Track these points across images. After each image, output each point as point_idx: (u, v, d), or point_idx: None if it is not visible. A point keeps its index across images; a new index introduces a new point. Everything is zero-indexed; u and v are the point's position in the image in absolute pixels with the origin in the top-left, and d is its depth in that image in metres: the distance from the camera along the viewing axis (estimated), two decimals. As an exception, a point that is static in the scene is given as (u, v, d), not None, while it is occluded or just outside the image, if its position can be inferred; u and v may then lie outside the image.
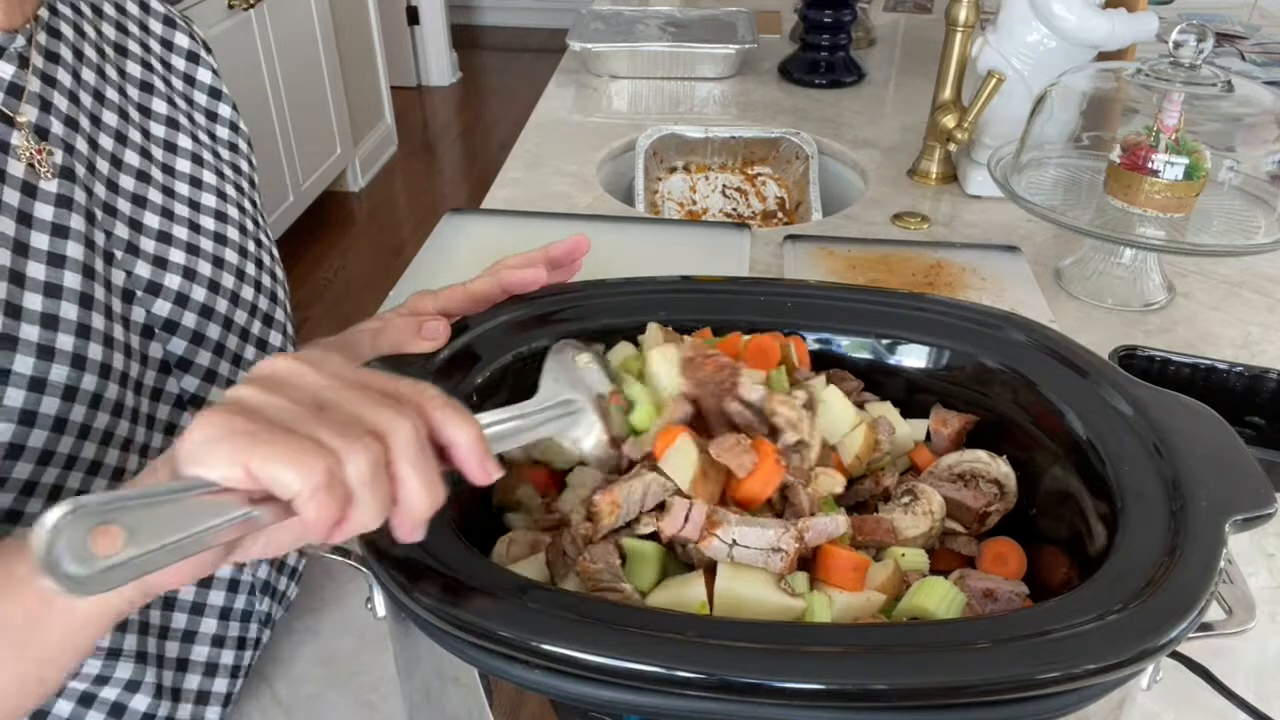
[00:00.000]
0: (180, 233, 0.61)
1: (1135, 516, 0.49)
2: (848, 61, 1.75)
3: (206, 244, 0.63)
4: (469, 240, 1.17)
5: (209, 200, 0.64)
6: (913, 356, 0.66)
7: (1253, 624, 0.49)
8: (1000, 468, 0.60)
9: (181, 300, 0.60)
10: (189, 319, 0.61)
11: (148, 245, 0.59)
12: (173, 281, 0.60)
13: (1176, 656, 0.57)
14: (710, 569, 0.50)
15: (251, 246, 0.67)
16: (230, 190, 0.66)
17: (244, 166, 0.70)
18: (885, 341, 0.67)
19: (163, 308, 0.59)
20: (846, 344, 0.67)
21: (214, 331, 0.62)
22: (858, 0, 1.79)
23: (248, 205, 0.68)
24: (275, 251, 0.70)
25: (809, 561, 0.52)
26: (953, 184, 1.38)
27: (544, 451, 0.62)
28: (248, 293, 0.65)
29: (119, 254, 0.57)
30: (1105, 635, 0.42)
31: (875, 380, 0.67)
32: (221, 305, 0.63)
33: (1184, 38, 1.05)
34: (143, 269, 0.58)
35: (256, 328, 0.66)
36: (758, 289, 0.67)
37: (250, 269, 0.66)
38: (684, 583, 0.50)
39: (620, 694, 0.41)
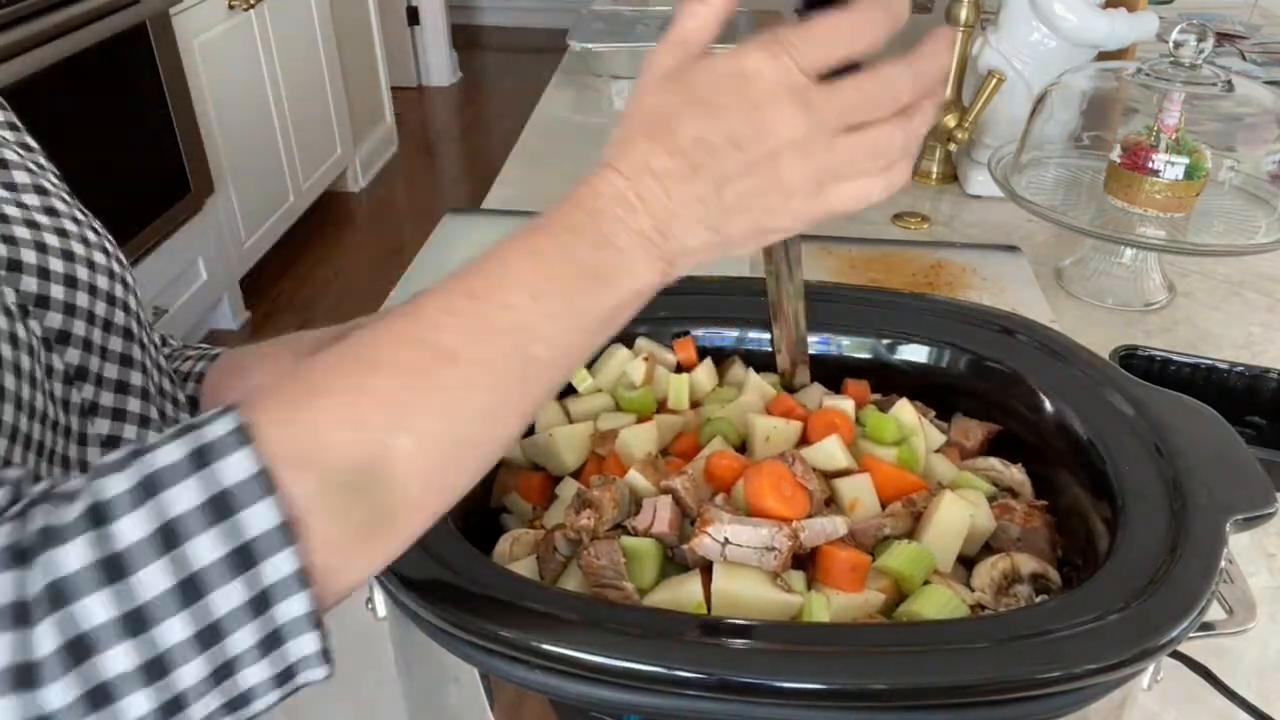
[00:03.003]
0: (23, 232, 0.57)
1: (1136, 516, 0.49)
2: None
3: (52, 240, 0.60)
4: (469, 240, 1.17)
5: (31, 199, 0.61)
6: (913, 357, 0.66)
7: (1253, 624, 0.49)
8: (1015, 475, 0.60)
9: (69, 310, 0.57)
10: (79, 327, 0.57)
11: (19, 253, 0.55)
12: (58, 292, 0.57)
13: (1177, 656, 0.57)
14: (706, 569, 0.50)
15: (91, 235, 0.64)
16: (46, 184, 0.64)
17: (43, 161, 0.67)
18: (885, 342, 0.67)
19: (54, 319, 0.56)
20: (847, 344, 0.67)
21: (98, 336, 0.59)
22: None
23: (66, 196, 0.65)
24: (110, 240, 0.67)
25: (806, 561, 0.52)
26: (953, 184, 1.38)
27: (543, 454, 0.62)
28: (103, 283, 0.63)
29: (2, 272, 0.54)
30: (1106, 635, 0.42)
31: (875, 381, 0.67)
32: (100, 309, 0.59)
33: (1184, 37, 1.04)
34: (28, 283, 0.55)
35: (119, 318, 0.64)
36: (758, 288, 0.67)
37: (99, 258, 0.63)
38: (680, 583, 0.50)
39: (620, 694, 0.41)
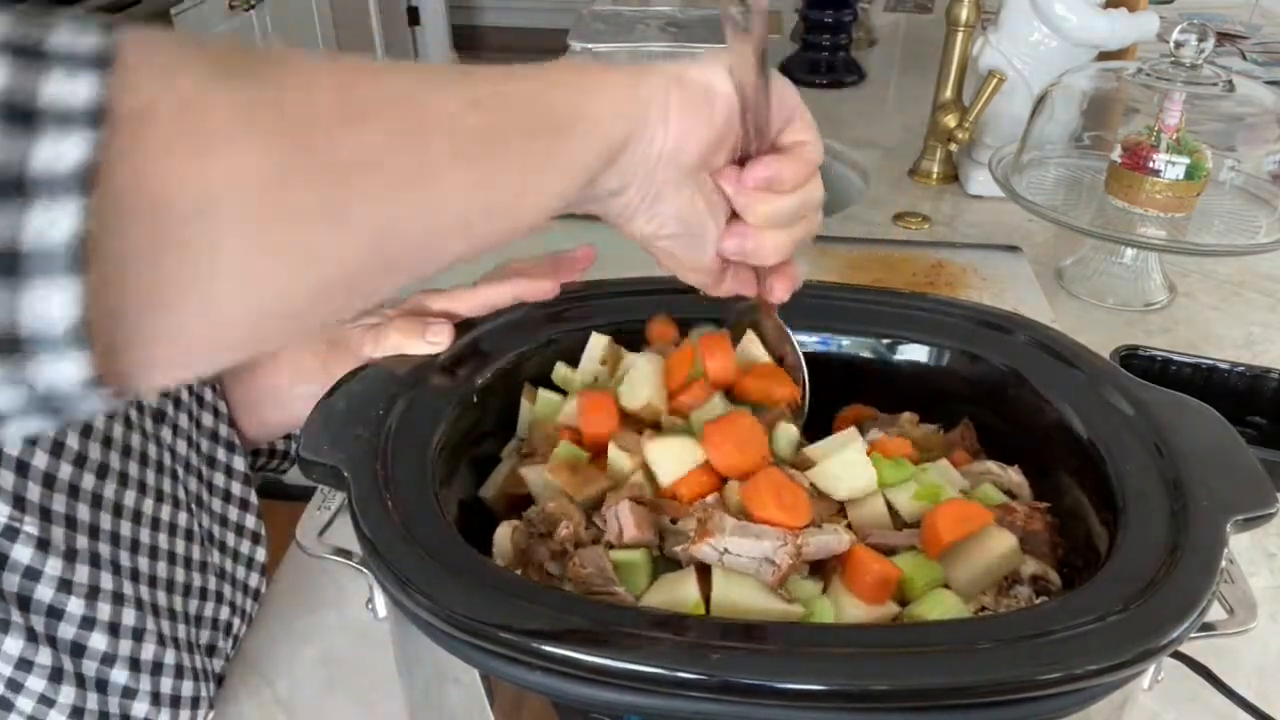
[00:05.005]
0: None
1: (1137, 516, 0.49)
2: (848, 62, 1.75)
3: None
4: (469, 240, 1.17)
5: None
6: (913, 357, 0.66)
7: (1254, 624, 0.49)
8: (1013, 477, 0.59)
9: None
10: None
11: None
12: None
13: (1178, 656, 0.57)
14: (701, 567, 0.50)
15: None
16: None
17: None
18: (886, 342, 0.67)
19: None
20: (847, 344, 0.67)
21: None
22: (858, 0, 1.79)
23: None
24: None
25: (823, 565, 0.51)
26: (954, 184, 1.38)
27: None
28: None
29: None
30: (1107, 635, 0.42)
31: (875, 382, 0.67)
32: None
33: (1185, 37, 1.04)
34: None
35: None
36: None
37: None
38: (676, 583, 0.50)
39: (621, 695, 0.41)
